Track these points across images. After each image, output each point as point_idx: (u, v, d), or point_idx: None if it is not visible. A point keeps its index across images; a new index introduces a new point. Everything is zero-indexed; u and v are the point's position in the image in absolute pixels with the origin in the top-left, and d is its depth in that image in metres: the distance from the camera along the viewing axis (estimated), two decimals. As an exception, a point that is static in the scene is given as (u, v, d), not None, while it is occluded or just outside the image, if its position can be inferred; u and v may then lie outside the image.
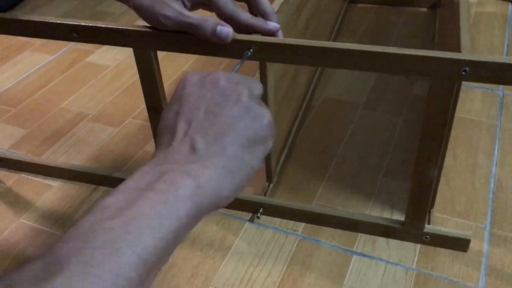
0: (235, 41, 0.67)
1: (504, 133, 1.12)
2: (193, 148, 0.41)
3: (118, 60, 1.45)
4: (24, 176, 1.06)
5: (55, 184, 1.04)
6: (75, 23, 0.77)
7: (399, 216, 0.93)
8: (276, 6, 0.83)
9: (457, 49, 0.69)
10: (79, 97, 1.30)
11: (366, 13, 1.65)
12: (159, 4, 0.63)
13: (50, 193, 1.02)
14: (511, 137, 1.11)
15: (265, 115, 0.45)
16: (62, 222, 0.95)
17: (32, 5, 1.79)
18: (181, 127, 0.43)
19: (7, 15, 0.80)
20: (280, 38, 0.69)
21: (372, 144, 1.10)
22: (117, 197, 0.37)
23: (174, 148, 0.42)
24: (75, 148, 1.13)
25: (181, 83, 0.47)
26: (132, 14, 0.65)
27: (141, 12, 0.64)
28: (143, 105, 1.24)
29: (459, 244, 0.86)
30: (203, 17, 0.63)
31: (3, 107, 1.27)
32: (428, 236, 0.87)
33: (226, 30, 0.65)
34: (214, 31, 0.64)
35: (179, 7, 0.63)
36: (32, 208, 0.98)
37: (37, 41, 1.55)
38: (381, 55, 0.65)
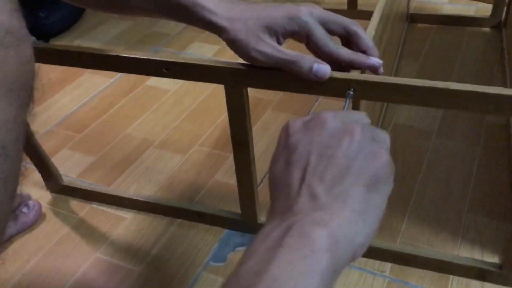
0: (333, 79, 0.64)
1: None
2: (313, 196, 0.39)
3: (178, 83, 1.43)
4: (95, 206, 1.05)
5: (128, 216, 1.02)
6: (166, 60, 0.75)
7: (490, 257, 0.89)
8: (371, 31, 0.80)
9: None
10: (143, 122, 1.29)
11: (426, 33, 1.60)
12: (254, 39, 0.61)
13: (124, 225, 1.00)
14: None
15: (382, 154, 0.43)
16: (139, 257, 0.93)
17: (86, 26, 1.79)
18: (295, 177, 0.41)
19: (85, 48, 0.79)
20: (382, 77, 0.66)
21: (452, 177, 1.06)
22: (249, 263, 0.35)
23: (293, 199, 0.40)
24: (145, 177, 1.11)
25: (284, 132, 0.45)
26: (187, 35, 0.66)
27: (234, 45, 0.63)
28: (208, 131, 1.23)
29: None
30: (299, 54, 0.61)
31: (68, 133, 1.27)
32: None
33: (324, 68, 0.62)
34: (310, 69, 0.61)
35: (275, 43, 0.62)
36: (108, 242, 0.97)
37: (95, 63, 1.54)
38: (501, 97, 0.61)
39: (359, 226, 0.39)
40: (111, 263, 0.93)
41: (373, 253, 0.89)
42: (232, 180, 1.08)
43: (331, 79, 0.64)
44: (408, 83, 0.63)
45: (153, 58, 0.75)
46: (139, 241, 0.97)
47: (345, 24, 0.65)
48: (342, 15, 0.68)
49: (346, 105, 0.62)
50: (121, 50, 0.78)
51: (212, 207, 1.01)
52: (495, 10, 1.59)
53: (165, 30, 1.71)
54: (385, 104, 1.26)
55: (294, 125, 0.45)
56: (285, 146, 0.44)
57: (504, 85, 1.30)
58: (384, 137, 0.46)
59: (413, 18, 1.68)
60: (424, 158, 1.11)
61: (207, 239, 0.96)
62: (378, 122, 1.19)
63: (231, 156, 1.15)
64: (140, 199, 1.02)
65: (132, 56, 0.76)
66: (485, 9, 1.70)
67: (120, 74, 1.49)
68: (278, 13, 0.61)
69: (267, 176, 1.09)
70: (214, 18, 0.62)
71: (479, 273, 0.84)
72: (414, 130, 1.19)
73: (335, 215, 0.38)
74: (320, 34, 0.63)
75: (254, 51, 0.61)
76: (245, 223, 0.96)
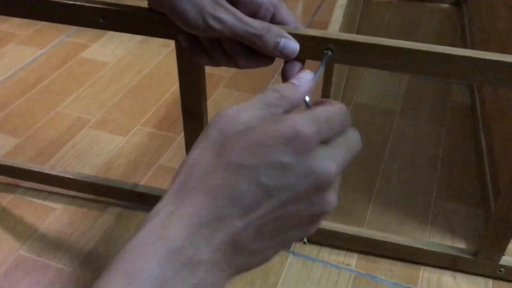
0: (309, 37, 0.54)
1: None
2: (235, 245, 0.30)
3: (118, 55, 1.29)
4: (20, 196, 0.90)
5: (58, 206, 0.89)
6: (103, 6, 0.59)
7: (461, 244, 0.82)
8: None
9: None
10: (77, 99, 1.14)
11: (386, 9, 1.53)
12: (210, 3, 0.48)
13: (53, 217, 0.87)
14: None
15: (319, 222, 0.34)
16: (71, 255, 0.80)
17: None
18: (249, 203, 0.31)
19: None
20: (365, 37, 0.56)
21: (418, 159, 0.99)
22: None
23: (215, 227, 0.30)
24: (79, 161, 0.98)
25: (294, 134, 0.31)
26: None
27: (182, 8, 0.48)
28: (152, 109, 1.10)
29: None
30: (264, 25, 0.49)
31: (-11, 110, 1.11)
32: (502, 269, 0.76)
33: (293, 45, 0.51)
34: (277, 45, 0.50)
35: (235, 10, 0.49)
36: (34, 237, 0.83)
37: (23, 32, 1.37)
38: (489, 63, 0.53)
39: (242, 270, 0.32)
40: (37, 262, 0.79)
41: (338, 239, 0.80)
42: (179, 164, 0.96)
43: (306, 37, 0.53)
44: (396, 44, 0.54)
45: (88, 5, 0.60)
46: (71, 236, 0.84)
47: None
48: None
49: (320, 69, 0.52)
50: None
51: (154, 188, 0.89)
52: (454, -14, 1.54)
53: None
54: (344, 81, 1.17)
55: (307, 139, 0.32)
56: (281, 164, 0.31)
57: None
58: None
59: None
60: (388, 139, 1.03)
61: (151, 232, 0.84)
62: (338, 99, 1.10)
63: (179, 138, 1.03)
64: (71, 176, 0.88)
65: (64, 1, 0.61)
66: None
67: (51, 45, 1.32)
68: None
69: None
70: None
71: (452, 262, 0.78)
72: (376, 110, 1.11)
73: (233, 266, 0.31)
74: (287, 9, 0.52)
75: (211, 18, 0.48)
76: None
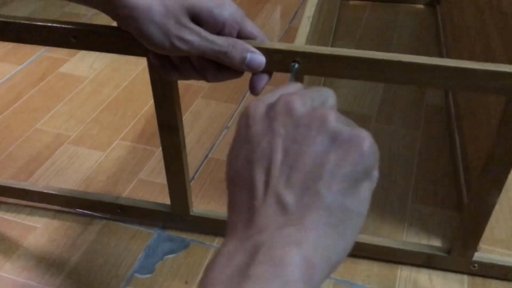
0: (275, 51, 0.55)
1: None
2: (281, 206, 0.30)
3: (96, 69, 1.29)
4: None
5: (39, 225, 0.89)
6: (74, 27, 0.61)
7: (438, 244, 0.84)
8: (311, 8, 0.74)
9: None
10: (55, 115, 1.14)
11: (361, 12, 1.55)
12: (175, 24, 0.48)
13: (34, 236, 0.87)
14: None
15: (363, 138, 0.32)
16: (52, 273, 0.81)
17: (-10, 5, 1.59)
18: (259, 180, 0.32)
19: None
20: (329, 48, 0.58)
21: (394, 164, 1.00)
22: None
23: (257, 210, 0.31)
24: (58, 178, 0.98)
25: (244, 120, 0.34)
26: (106, 16, 0.51)
27: (146, 30, 0.48)
28: (131, 123, 1.10)
29: (510, 274, 0.79)
30: (229, 41, 0.51)
31: (-33, 130, 1.10)
32: (476, 265, 0.78)
33: (259, 59, 0.53)
34: (243, 60, 0.52)
35: (200, 29, 0.50)
36: (14, 257, 0.83)
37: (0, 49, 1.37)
38: (459, 70, 0.55)
39: (335, 242, 0.31)
40: (16, 283, 0.80)
41: None
42: (159, 179, 0.97)
43: (273, 51, 0.55)
44: (359, 55, 0.56)
45: (59, 26, 0.61)
46: (52, 254, 0.84)
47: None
48: None
49: (290, 79, 0.53)
50: (21, 17, 0.64)
51: (136, 200, 0.90)
52: (428, -13, 1.56)
53: (82, 10, 1.55)
54: (322, 83, 1.19)
55: (255, 111, 0.34)
56: (246, 138, 0.34)
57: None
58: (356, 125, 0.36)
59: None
60: (365, 144, 1.05)
61: (131, 248, 0.85)
62: None
63: (158, 151, 1.04)
64: (53, 192, 0.89)
65: (34, 23, 0.62)
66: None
67: (29, 60, 1.32)
68: None
69: (200, 171, 0.99)
70: None
71: (427, 259, 0.80)
72: (352, 115, 1.13)
73: (309, 231, 0.29)
74: (252, 24, 0.54)
75: (176, 39, 0.49)
76: (175, 216, 0.85)
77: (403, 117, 1.12)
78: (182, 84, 1.22)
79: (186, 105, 1.16)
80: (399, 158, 1.01)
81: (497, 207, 0.91)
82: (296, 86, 0.38)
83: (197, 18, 0.49)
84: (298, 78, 0.68)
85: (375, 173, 0.34)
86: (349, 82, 1.23)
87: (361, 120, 1.11)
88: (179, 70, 0.55)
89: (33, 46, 1.37)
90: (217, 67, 0.53)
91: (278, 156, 0.32)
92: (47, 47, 1.37)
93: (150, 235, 0.87)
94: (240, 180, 0.33)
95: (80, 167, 1.00)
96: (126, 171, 0.99)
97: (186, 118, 1.13)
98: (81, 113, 1.14)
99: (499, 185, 0.67)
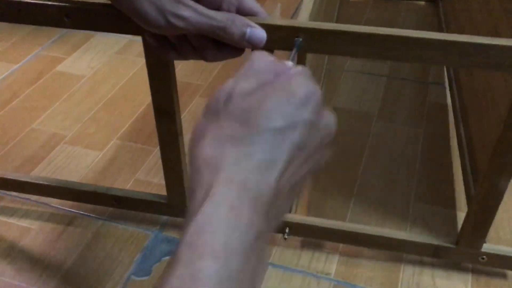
0: (278, 27, 0.54)
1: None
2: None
3: (94, 68, 1.27)
4: (-5, 216, 0.89)
5: (34, 226, 0.88)
6: (67, 5, 0.58)
7: (441, 246, 0.83)
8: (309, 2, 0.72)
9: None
10: (52, 114, 1.13)
11: (362, 9, 1.52)
12: (169, 1, 0.47)
13: (29, 238, 0.85)
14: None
15: (332, 125, 0.37)
16: (47, 276, 0.79)
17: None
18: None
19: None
20: (333, 24, 0.56)
21: (396, 161, 0.98)
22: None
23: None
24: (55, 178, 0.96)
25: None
26: None
27: (140, 8, 0.47)
28: (128, 122, 1.09)
29: None
30: (228, 15, 0.49)
31: (-38, 130, 1.09)
32: (484, 257, 0.76)
33: (260, 33, 0.51)
34: (243, 35, 0.50)
35: (196, 4, 0.48)
36: (8, 260, 0.82)
37: (-3, 47, 1.35)
38: (468, 45, 0.53)
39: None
40: (11, 285, 0.78)
41: (319, 233, 0.79)
42: (157, 179, 0.95)
43: (275, 27, 0.53)
44: (362, 30, 0.54)
45: (51, 3, 0.58)
46: (48, 255, 0.82)
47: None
48: None
49: (292, 55, 0.51)
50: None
51: (132, 191, 0.88)
52: (430, -17, 1.54)
53: None
54: (321, 86, 1.17)
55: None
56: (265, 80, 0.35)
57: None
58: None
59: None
60: (367, 142, 1.03)
61: (128, 249, 0.83)
62: None
63: (155, 150, 1.02)
64: (46, 183, 0.86)
65: (25, 1, 0.59)
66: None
67: (26, 59, 1.31)
68: None
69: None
70: None
71: (435, 251, 0.77)
72: (354, 113, 1.11)
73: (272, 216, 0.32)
74: (252, 0, 0.52)
75: (172, 16, 0.47)
76: (171, 206, 0.83)
77: (405, 115, 1.10)
78: (180, 82, 1.21)
79: (185, 103, 1.15)
80: (401, 157, 1.00)
81: (501, 206, 0.89)
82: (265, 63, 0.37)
83: None
84: (300, 56, 0.66)
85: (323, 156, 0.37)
86: (350, 80, 1.21)
87: (363, 118, 1.09)
88: (177, 49, 0.52)
89: (30, 45, 1.35)
90: (216, 46, 0.51)
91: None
92: (44, 46, 1.35)
93: (147, 236, 0.85)
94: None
95: (76, 167, 0.99)
96: (123, 171, 0.98)
97: (184, 117, 1.11)
98: (78, 112, 1.13)
99: (508, 170, 0.65)
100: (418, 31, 0.54)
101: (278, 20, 0.54)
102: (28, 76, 1.25)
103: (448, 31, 1.31)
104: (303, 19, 0.64)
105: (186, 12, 0.47)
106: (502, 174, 0.66)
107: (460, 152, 0.98)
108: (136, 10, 0.47)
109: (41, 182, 0.87)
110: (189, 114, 1.13)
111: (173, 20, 0.47)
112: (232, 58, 0.53)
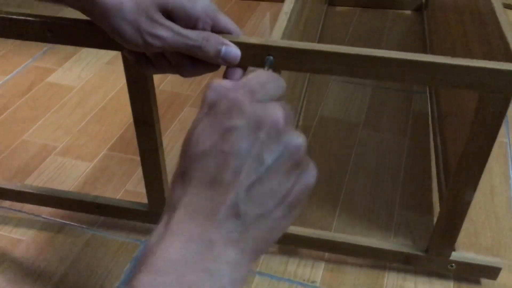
0: (249, 45, 0.55)
1: (516, 151, 1.05)
2: (236, 212, 0.32)
3: (84, 79, 1.29)
4: (-14, 228, 0.90)
5: (24, 238, 0.89)
6: (49, 20, 0.60)
7: (423, 253, 0.85)
8: (289, 5, 0.75)
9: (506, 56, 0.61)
10: (43, 125, 1.14)
11: (349, 18, 1.55)
12: (146, 20, 0.48)
13: (20, 249, 0.87)
14: (523, 156, 1.04)
15: (314, 174, 0.36)
16: (39, 285, 0.81)
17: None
18: (225, 177, 0.33)
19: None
20: (304, 43, 0.58)
21: (381, 170, 1.01)
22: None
23: (217, 209, 0.32)
24: (45, 190, 0.97)
25: (225, 98, 0.34)
26: None
27: (117, 27, 0.48)
28: (118, 133, 1.10)
29: (489, 272, 0.79)
30: (203, 35, 0.51)
31: (-47, 142, 1.10)
32: (453, 264, 0.79)
33: (234, 51, 0.53)
34: (218, 53, 0.52)
35: (172, 24, 0.50)
36: (0, 270, 0.83)
37: (-13, 59, 1.36)
38: (429, 65, 0.56)
39: (263, 247, 0.35)
40: (3, 297, 0.79)
41: (305, 242, 0.82)
42: (146, 189, 0.97)
43: (247, 45, 0.55)
44: (330, 49, 0.57)
45: (34, 19, 0.60)
46: (39, 267, 0.84)
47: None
48: None
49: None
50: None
51: (113, 199, 0.90)
52: (416, -7, 1.57)
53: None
54: (303, 92, 1.19)
55: (240, 102, 0.34)
56: (220, 120, 0.34)
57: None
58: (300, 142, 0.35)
59: (332, 1, 1.63)
60: (352, 151, 1.05)
61: (118, 259, 0.85)
62: (297, 111, 1.12)
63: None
64: (29, 190, 0.89)
65: (9, 16, 0.61)
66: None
67: (16, 70, 1.32)
68: None
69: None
70: None
71: (406, 258, 0.80)
72: (340, 122, 1.13)
73: (250, 239, 0.33)
74: (226, 18, 0.54)
75: (148, 36, 0.49)
76: (152, 214, 0.85)
77: (390, 124, 1.12)
78: (170, 93, 1.23)
79: (175, 114, 1.16)
80: (386, 165, 1.02)
81: (482, 213, 0.92)
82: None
83: (169, 13, 0.49)
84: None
85: (305, 200, 0.36)
86: (335, 89, 1.23)
87: (349, 128, 1.11)
88: (154, 64, 0.54)
89: (21, 56, 1.37)
90: (192, 62, 0.53)
91: (249, 164, 0.33)
92: (34, 57, 1.37)
93: (136, 246, 0.87)
94: (204, 164, 0.33)
95: (67, 178, 1.00)
96: (113, 181, 0.99)
97: (174, 127, 1.13)
98: (68, 123, 1.14)
99: (473, 181, 0.67)
100: (383, 51, 0.56)
101: (250, 38, 0.56)
102: (19, 87, 1.26)
103: (431, 40, 1.34)
104: (276, 37, 0.66)
105: (162, 32, 0.49)
106: (467, 186, 0.68)
107: (435, 160, 1.00)
108: (114, 28, 0.49)
109: (27, 190, 0.89)
110: (179, 123, 1.14)
111: (150, 39, 0.49)
112: (208, 73, 0.55)
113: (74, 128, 1.13)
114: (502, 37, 0.65)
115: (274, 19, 1.55)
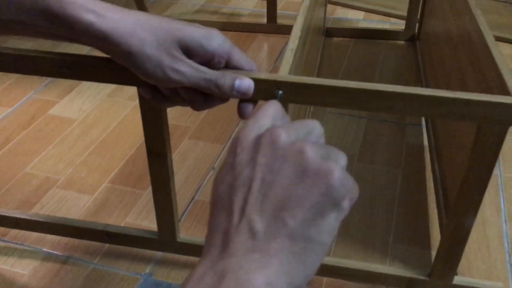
0: (259, 81, 0.59)
1: (506, 184, 1.08)
2: (252, 232, 0.33)
3: (85, 111, 1.32)
4: (-12, 262, 0.92)
5: (26, 272, 0.90)
6: (67, 58, 0.63)
7: None
8: (294, 41, 0.78)
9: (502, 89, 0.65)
10: (44, 158, 1.16)
11: (345, 48, 1.59)
12: (168, 56, 0.51)
13: (21, 283, 0.88)
14: (515, 187, 1.07)
15: (332, 170, 0.34)
16: (39, 322, 0.82)
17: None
18: (237, 205, 0.35)
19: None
20: (311, 78, 0.62)
21: (376, 203, 1.03)
22: None
23: (231, 234, 0.34)
24: (47, 224, 0.99)
25: (233, 147, 0.38)
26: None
27: (140, 61, 0.50)
28: (119, 165, 1.13)
29: None
30: (219, 72, 0.54)
31: (-43, 175, 1.12)
32: None
33: (248, 83, 0.56)
34: (233, 87, 0.55)
35: (191, 61, 0.53)
36: (2, 306, 0.85)
37: (-10, 91, 1.39)
38: (430, 98, 0.60)
39: (297, 269, 0.33)
40: (5, 332, 0.81)
41: None
42: (147, 222, 0.99)
43: (258, 80, 0.58)
44: (337, 84, 0.60)
45: (53, 57, 0.63)
46: (40, 302, 0.85)
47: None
48: (263, 29, 0.62)
49: None
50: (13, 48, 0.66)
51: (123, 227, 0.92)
52: (409, 24, 1.61)
53: (72, 50, 1.58)
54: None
55: (244, 139, 0.38)
56: (232, 165, 0.37)
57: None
58: (340, 155, 0.37)
59: (329, 33, 1.68)
60: (347, 184, 1.07)
61: (118, 293, 0.86)
62: None
63: (145, 193, 1.06)
64: (39, 219, 0.92)
65: (30, 54, 0.64)
66: (399, 24, 1.72)
67: (18, 103, 1.35)
68: (193, 29, 0.52)
69: (186, 213, 1.01)
70: (103, 24, 0.48)
71: (410, 283, 0.83)
72: (336, 154, 1.16)
73: (273, 257, 0.32)
74: (241, 53, 0.57)
75: (170, 70, 0.51)
76: (162, 242, 0.87)
77: (384, 156, 1.15)
78: (169, 125, 1.25)
79: (174, 145, 1.19)
80: (380, 197, 1.04)
81: (475, 245, 0.94)
82: (277, 111, 0.41)
83: (187, 49, 0.52)
84: (283, 105, 0.71)
85: (345, 204, 0.35)
86: (331, 121, 1.26)
87: (344, 159, 1.14)
88: (168, 99, 0.57)
89: (23, 88, 1.40)
90: (204, 97, 0.56)
91: (255, 186, 0.35)
92: (37, 89, 1.40)
93: (136, 280, 0.89)
94: (221, 204, 0.36)
95: (68, 211, 1.02)
96: (114, 214, 1.01)
97: (174, 158, 1.15)
98: (70, 156, 1.17)
99: (474, 209, 0.70)
100: (383, 85, 0.60)
101: (261, 74, 0.59)
102: (21, 120, 1.29)
103: (424, 71, 1.37)
104: (284, 72, 0.70)
105: (182, 67, 0.51)
106: (468, 212, 0.71)
107: (435, 189, 1.03)
108: (138, 66, 0.51)
109: (31, 218, 0.92)
110: (179, 155, 1.17)
111: (171, 74, 0.51)
112: (216, 105, 0.57)
113: (75, 160, 1.15)
114: (496, 69, 0.68)
115: (271, 50, 1.59)
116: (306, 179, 0.34)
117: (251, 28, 1.72)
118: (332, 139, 1.20)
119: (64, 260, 0.92)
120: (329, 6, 1.90)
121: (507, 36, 1.65)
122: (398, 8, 1.54)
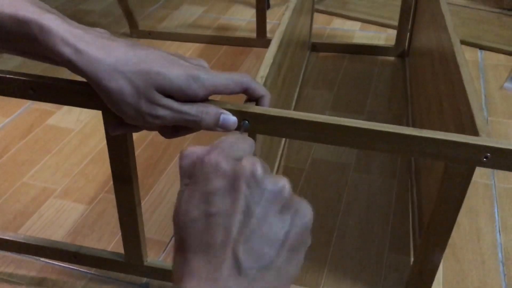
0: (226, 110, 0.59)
1: (500, 194, 1.09)
2: (239, 271, 0.33)
3: (83, 121, 1.32)
4: (-15, 271, 0.92)
5: (24, 282, 0.91)
6: (31, 79, 0.62)
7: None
8: (265, 69, 0.77)
9: (470, 127, 0.63)
10: (42, 168, 1.17)
11: (339, 62, 1.61)
12: (145, 103, 0.50)
13: (19, 292, 0.88)
14: (507, 199, 1.08)
15: (308, 210, 0.36)
16: (37, 331, 0.82)
17: (-22, 57, 1.63)
18: (218, 238, 0.34)
19: None
20: (277, 110, 0.61)
21: (371, 214, 1.04)
22: None
23: (217, 271, 0.33)
24: (44, 233, 1.00)
25: (204, 168, 0.36)
26: None
27: (118, 107, 0.51)
28: (116, 176, 1.13)
29: None
30: (201, 108, 0.53)
31: (-46, 184, 1.12)
32: None
33: (232, 119, 0.57)
34: (217, 123, 0.55)
35: (171, 101, 0.52)
36: (-1, 315, 0.85)
37: (-12, 101, 1.40)
38: (395, 136, 0.58)
39: None
40: None
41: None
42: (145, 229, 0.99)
43: (229, 111, 0.58)
44: (303, 117, 0.59)
45: (17, 77, 0.62)
46: (37, 311, 0.85)
47: (240, 80, 0.57)
48: (252, 44, 0.62)
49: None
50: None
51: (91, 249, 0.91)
52: (399, 39, 1.61)
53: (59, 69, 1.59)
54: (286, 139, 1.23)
55: (216, 164, 0.36)
56: (204, 186, 0.35)
57: (406, 114, 1.31)
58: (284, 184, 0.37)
59: (315, 47, 1.67)
60: (343, 194, 1.09)
61: (116, 303, 0.87)
62: (277, 159, 1.14)
63: (143, 203, 1.06)
64: (5, 237, 0.90)
65: None
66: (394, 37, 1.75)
67: (16, 113, 1.36)
68: (174, 72, 0.50)
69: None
70: (79, 62, 0.48)
71: None
72: (332, 164, 1.17)
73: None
74: (225, 86, 0.57)
75: (149, 117, 0.51)
76: (129, 265, 0.86)
77: (380, 166, 1.16)
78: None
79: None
80: (376, 207, 1.05)
81: (469, 254, 0.95)
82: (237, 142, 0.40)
83: (168, 94, 0.51)
84: (251, 136, 0.72)
85: (309, 241, 0.37)
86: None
87: (340, 170, 1.15)
88: (140, 128, 0.57)
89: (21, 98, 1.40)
90: (175, 128, 0.56)
91: (238, 217, 0.34)
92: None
93: (134, 289, 0.89)
94: (196, 230, 0.35)
95: (65, 221, 1.03)
96: (111, 224, 1.02)
97: (170, 170, 1.16)
98: (67, 166, 1.17)
99: (441, 245, 0.69)
100: (349, 120, 0.58)
101: (227, 104, 0.58)
102: (19, 130, 1.29)
103: (411, 90, 1.38)
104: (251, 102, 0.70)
105: (161, 112, 0.51)
106: (435, 250, 0.70)
107: (411, 212, 1.02)
108: (118, 109, 0.51)
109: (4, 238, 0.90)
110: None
111: (150, 119, 0.51)
112: (187, 134, 0.58)
113: (73, 171, 1.16)
114: (467, 105, 0.67)
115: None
116: (292, 218, 0.35)
117: (243, 43, 1.72)
118: (327, 150, 1.22)
119: (62, 270, 0.92)
120: (326, 17, 1.92)
121: (500, 47, 1.68)
122: (395, 19, 1.56)
